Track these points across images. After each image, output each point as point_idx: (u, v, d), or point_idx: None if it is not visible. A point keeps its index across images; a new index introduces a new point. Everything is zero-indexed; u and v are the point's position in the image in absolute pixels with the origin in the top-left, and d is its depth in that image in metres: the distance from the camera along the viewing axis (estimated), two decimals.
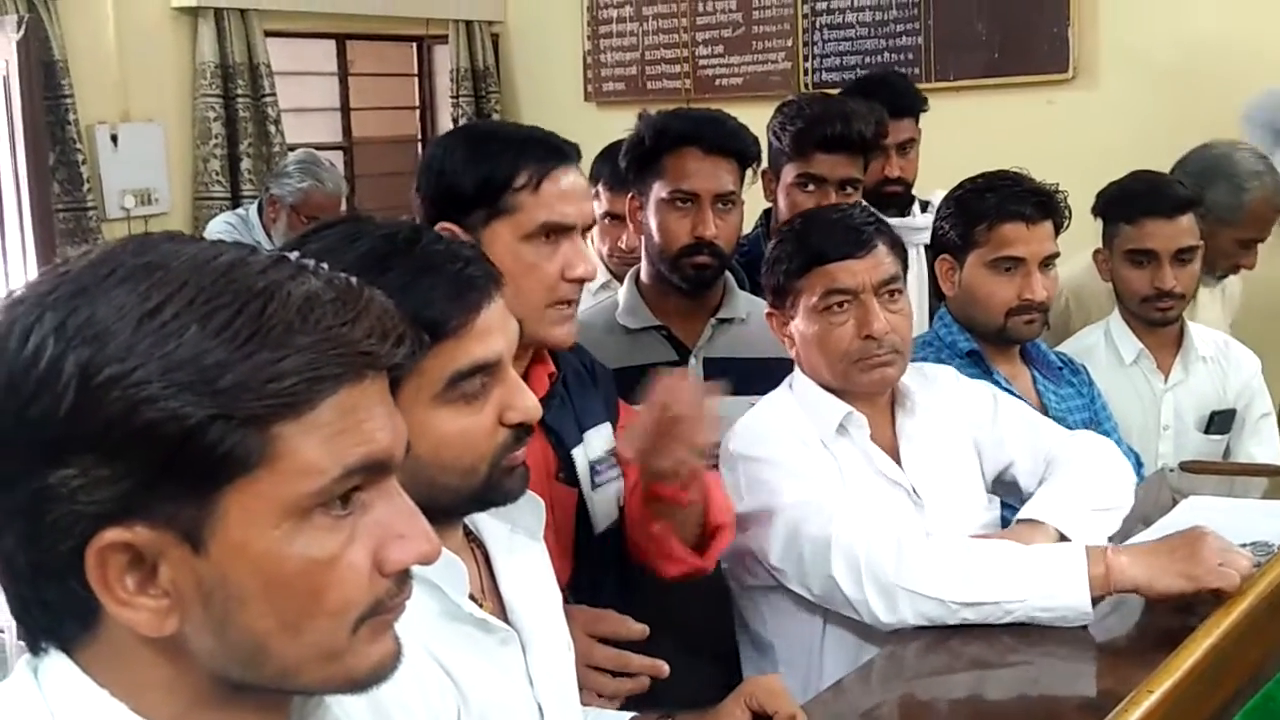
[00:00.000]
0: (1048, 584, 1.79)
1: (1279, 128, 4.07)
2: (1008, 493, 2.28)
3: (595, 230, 3.17)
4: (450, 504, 1.31)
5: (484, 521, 1.42)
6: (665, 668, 1.66)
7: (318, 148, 5.00)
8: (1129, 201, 2.72)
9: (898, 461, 2.09)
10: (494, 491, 1.33)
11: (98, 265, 0.82)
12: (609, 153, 3.04)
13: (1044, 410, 2.51)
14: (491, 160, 1.78)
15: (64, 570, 0.80)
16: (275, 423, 0.80)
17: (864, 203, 2.65)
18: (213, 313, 0.79)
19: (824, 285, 2.02)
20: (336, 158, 5.85)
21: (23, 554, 0.81)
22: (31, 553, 0.81)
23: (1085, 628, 1.80)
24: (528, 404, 1.32)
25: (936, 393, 2.18)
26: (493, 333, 1.30)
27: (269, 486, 0.80)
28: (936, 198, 3.25)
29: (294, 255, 0.87)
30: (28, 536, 0.80)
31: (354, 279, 0.86)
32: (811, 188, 2.73)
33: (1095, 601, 1.79)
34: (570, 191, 1.79)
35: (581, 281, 1.80)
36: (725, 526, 1.87)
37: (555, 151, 1.80)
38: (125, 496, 0.78)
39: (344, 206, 4.59)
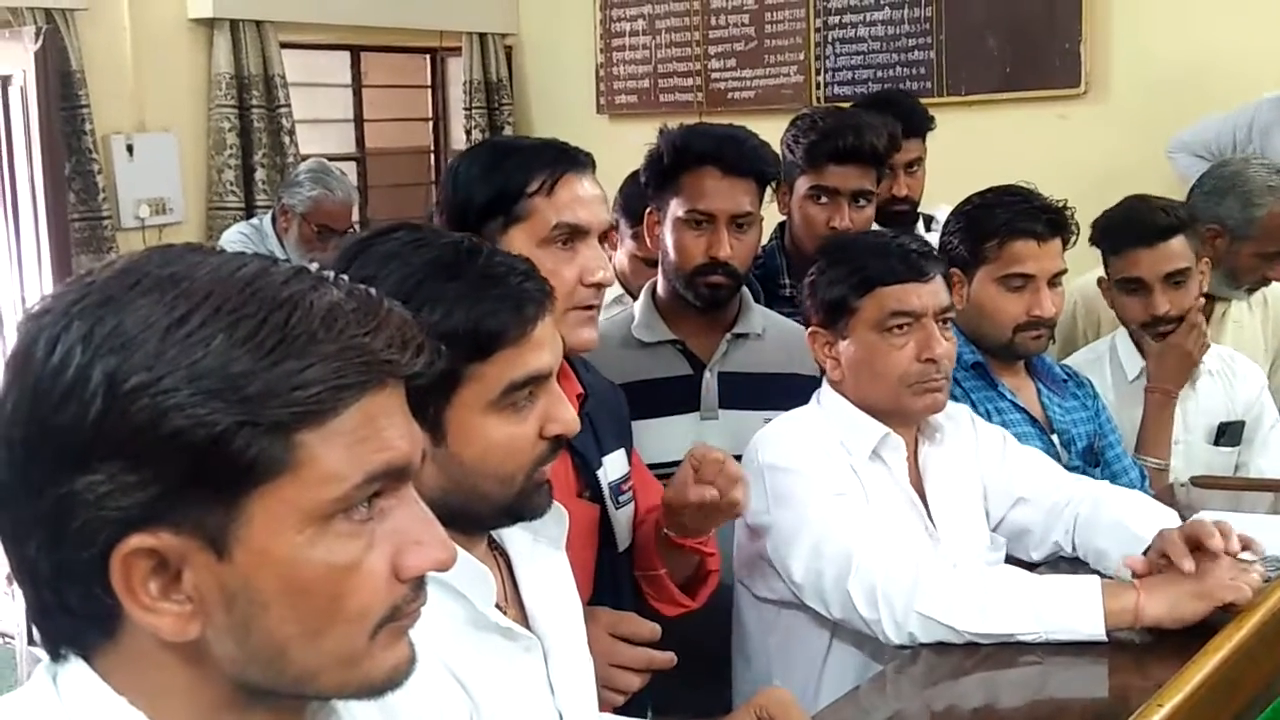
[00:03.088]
0: (1063, 618, 1.78)
1: (1202, 153, 4.18)
2: (1015, 538, 2.26)
3: (620, 253, 3.16)
4: (484, 513, 1.35)
5: (507, 530, 1.44)
6: (674, 657, 1.72)
7: (331, 159, 5.02)
8: (1113, 233, 2.73)
9: (921, 491, 2.10)
10: (524, 504, 1.37)
11: (123, 275, 0.83)
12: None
13: (1048, 423, 2.52)
14: (506, 169, 1.81)
15: (88, 576, 0.81)
16: (300, 430, 0.81)
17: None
18: (238, 322, 0.80)
19: (889, 306, 2.03)
20: (350, 168, 5.87)
21: (46, 560, 0.82)
22: (55, 558, 0.81)
23: None
24: (568, 417, 1.36)
25: (955, 429, 2.19)
26: (545, 345, 1.34)
27: (293, 493, 0.81)
28: (941, 212, 3.26)
29: (322, 265, 0.89)
30: (52, 542, 0.81)
31: (372, 290, 0.87)
32: (824, 200, 2.73)
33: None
34: (585, 196, 1.82)
35: (600, 286, 1.82)
36: (716, 572, 1.97)
37: (568, 157, 1.84)
38: (151, 502, 0.79)
39: (355, 215, 4.61)
